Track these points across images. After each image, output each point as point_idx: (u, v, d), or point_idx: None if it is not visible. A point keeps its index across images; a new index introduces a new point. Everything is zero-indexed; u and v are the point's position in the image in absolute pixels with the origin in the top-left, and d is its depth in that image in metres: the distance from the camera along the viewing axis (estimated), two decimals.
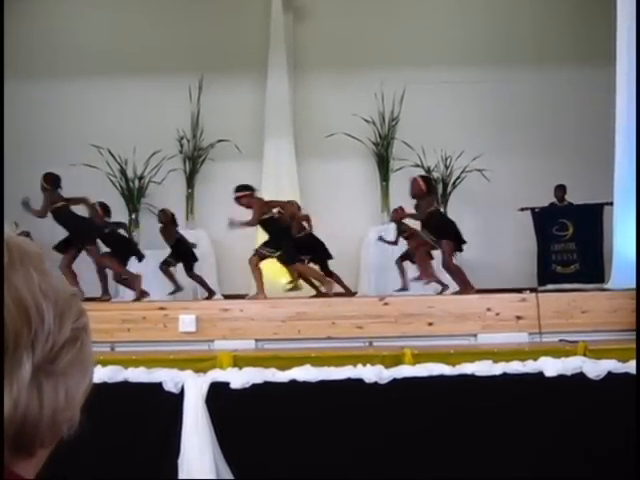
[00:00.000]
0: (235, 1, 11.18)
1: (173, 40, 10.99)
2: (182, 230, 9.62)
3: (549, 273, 9.48)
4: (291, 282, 8.80)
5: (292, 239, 8.45)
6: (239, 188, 8.27)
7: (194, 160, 11.04)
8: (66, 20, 11.16)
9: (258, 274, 8.08)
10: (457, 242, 8.09)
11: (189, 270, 9.24)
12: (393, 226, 9.92)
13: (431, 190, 8.34)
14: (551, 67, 10.77)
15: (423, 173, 10.65)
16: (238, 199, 8.22)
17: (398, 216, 9.03)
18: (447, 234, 7.99)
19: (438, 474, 4.51)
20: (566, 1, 10.94)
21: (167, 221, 9.31)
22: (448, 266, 8.07)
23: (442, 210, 9.78)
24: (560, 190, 9.87)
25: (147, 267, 8.96)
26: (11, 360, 0.62)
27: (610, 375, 4.64)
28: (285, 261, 8.41)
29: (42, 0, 11.16)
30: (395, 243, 9.32)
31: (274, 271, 8.93)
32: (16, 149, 10.00)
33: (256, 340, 6.29)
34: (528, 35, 10.93)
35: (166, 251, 9.29)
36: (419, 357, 4.98)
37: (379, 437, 4.60)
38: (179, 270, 9.28)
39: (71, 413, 0.70)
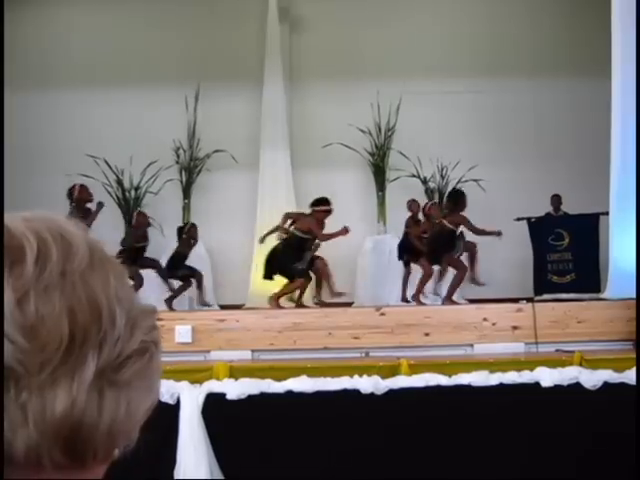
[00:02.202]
0: (231, 11, 11.21)
1: (170, 50, 11.00)
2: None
3: (545, 283, 9.47)
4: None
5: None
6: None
7: (190, 170, 11.03)
8: (62, 29, 11.18)
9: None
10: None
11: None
12: (389, 236, 9.89)
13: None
14: (547, 77, 10.80)
15: (419, 183, 10.69)
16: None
17: None
18: None
19: None
20: (562, 12, 10.98)
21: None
22: None
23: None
24: (556, 200, 9.88)
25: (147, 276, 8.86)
26: (77, 356, 0.61)
27: (606, 385, 4.65)
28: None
29: (38, 9, 11.16)
30: None
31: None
32: (11, 158, 9.98)
33: (252, 351, 6.27)
34: (524, 45, 10.96)
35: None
36: (415, 367, 4.98)
37: (376, 448, 4.59)
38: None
39: (130, 427, 0.67)
